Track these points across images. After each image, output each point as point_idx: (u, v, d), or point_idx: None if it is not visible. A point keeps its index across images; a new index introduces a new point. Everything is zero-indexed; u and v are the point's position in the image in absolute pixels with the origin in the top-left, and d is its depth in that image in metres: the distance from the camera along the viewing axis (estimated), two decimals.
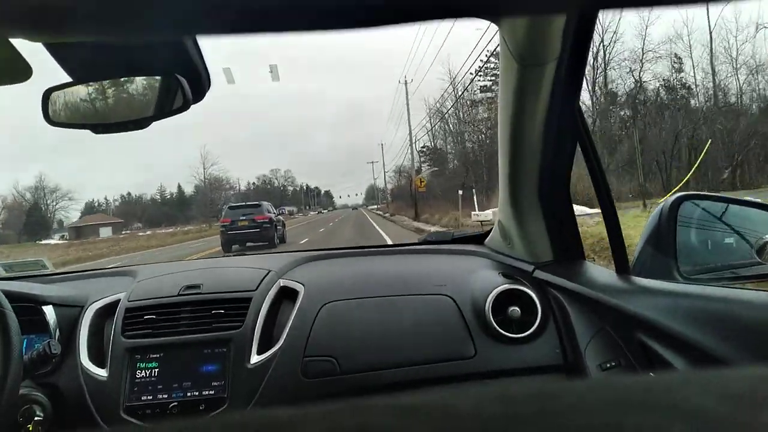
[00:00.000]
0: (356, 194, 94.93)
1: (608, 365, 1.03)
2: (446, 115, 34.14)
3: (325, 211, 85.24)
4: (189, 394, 1.18)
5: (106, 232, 55.42)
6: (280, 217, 17.82)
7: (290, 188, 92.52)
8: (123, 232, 57.28)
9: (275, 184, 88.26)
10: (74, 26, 0.24)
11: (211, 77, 0.69)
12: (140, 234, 50.49)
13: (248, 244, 14.53)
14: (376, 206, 69.16)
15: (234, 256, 1.80)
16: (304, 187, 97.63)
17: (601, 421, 0.19)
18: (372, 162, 61.71)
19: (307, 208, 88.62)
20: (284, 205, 64.71)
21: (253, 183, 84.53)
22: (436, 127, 37.53)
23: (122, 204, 71.20)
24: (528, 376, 1.21)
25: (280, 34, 0.24)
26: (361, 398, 0.22)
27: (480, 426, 0.19)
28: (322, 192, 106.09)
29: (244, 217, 14.76)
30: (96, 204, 70.06)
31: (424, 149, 40.21)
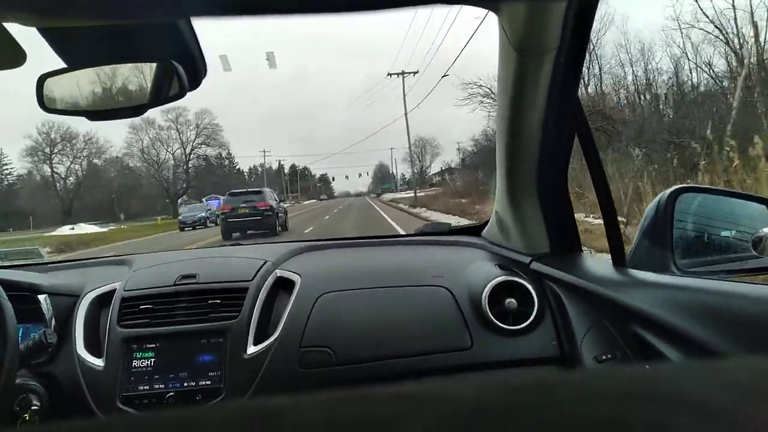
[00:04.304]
0: (359, 175, 71.41)
1: (604, 357, 1.03)
2: None
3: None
4: (185, 384, 1.18)
5: None
6: (282, 205, 17.31)
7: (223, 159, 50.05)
8: None
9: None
10: (69, 8, 0.24)
11: (207, 64, 0.68)
12: None
13: (249, 231, 14.27)
14: (400, 195, 34.90)
15: (231, 245, 1.79)
16: (282, 167, 68.09)
17: (601, 412, 0.19)
18: (400, 73, 29.23)
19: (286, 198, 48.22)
20: (215, 193, 32.10)
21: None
22: None
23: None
24: (525, 368, 1.21)
25: (274, 16, 0.24)
26: (361, 387, 0.21)
27: (480, 415, 0.19)
28: (317, 175, 78.91)
29: (244, 204, 14.49)
30: None
31: None
